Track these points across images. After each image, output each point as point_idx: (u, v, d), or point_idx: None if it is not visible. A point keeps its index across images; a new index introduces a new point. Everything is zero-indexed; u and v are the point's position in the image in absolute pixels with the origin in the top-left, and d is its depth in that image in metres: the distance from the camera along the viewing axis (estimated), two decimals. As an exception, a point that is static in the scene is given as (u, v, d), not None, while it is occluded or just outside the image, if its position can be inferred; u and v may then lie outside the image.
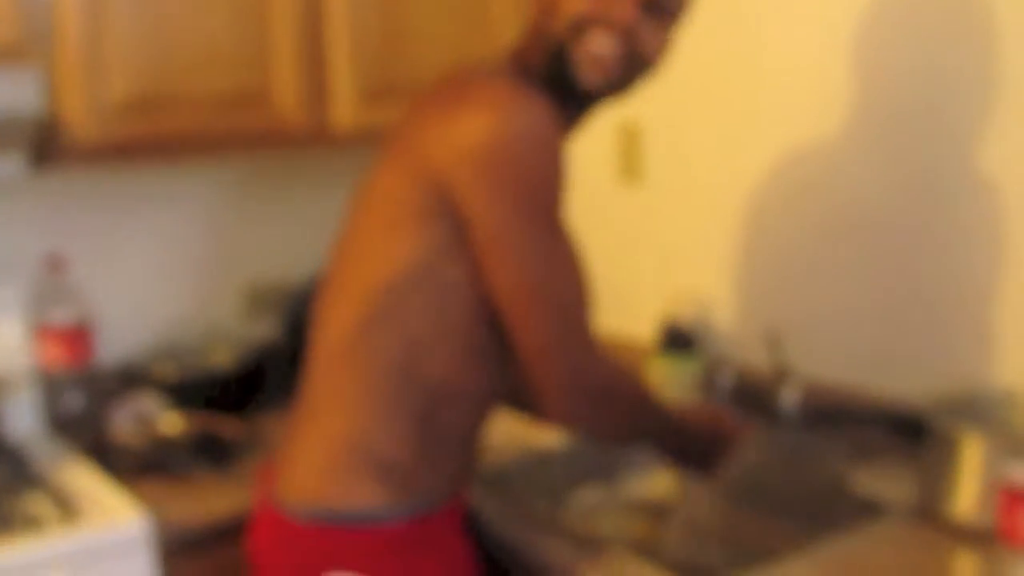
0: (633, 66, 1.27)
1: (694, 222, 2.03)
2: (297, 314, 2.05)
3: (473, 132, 1.17)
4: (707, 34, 1.88)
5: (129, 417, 1.80)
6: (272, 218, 2.24)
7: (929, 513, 1.38)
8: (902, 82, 1.64)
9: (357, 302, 1.26)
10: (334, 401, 1.29)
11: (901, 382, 1.68)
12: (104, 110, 1.69)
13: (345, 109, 1.95)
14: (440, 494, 1.31)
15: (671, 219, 2.08)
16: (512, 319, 1.22)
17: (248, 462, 1.75)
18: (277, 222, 2.24)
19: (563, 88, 1.27)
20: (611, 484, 1.79)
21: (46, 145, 1.73)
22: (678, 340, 1.95)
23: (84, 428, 1.87)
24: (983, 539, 1.30)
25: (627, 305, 2.18)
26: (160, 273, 2.11)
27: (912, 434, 1.58)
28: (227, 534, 1.54)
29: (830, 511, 1.53)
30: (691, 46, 1.81)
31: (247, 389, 2.01)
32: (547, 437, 1.78)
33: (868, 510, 1.46)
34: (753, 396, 1.84)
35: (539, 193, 1.19)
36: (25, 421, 1.89)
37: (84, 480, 1.65)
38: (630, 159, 2.14)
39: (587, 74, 1.25)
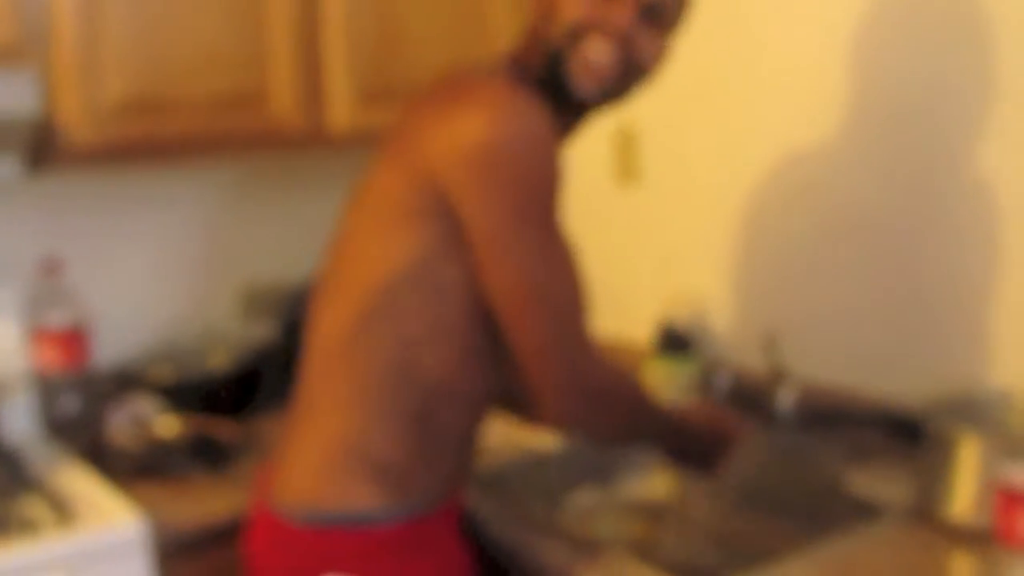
0: (629, 73, 1.27)
1: (691, 224, 2.03)
2: (294, 316, 2.05)
3: (470, 132, 1.17)
4: (704, 35, 1.88)
5: (125, 419, 1.80)
6: (269, 219, 2.24)
7: (926, 514, 1.38)
8: (898, 84, 1.64)
9: (353, 302, 1.26)
10: (329, 402, 1.28)
11: (898, 383, 1.68)
12: (100, 112, 1.69)
13: (341, 111, 1.95)
14: (436, 495, 1.31)
15: (668, 221, 2.08)
16: (508, 320, 1.22)
17: (245, 464, 1.75)
18: (274, 223, 2.24)
19: (558, 94, 1.27)
20: (608, 485, 1.79)
21: (42, 147, 1.72)
22: (675, 342, 1.95)
23: (80, 431, 1.87)
24: (980, 540, 1.30)
25: (624, 307, 2.18)
26: (156, 275, 2.11)
27: (909, 435, 1.58)
28: (223, 536, 1.54)
29: (827, 512, 1.53)
30: (688, 47, 1.81)
31: (244, 391, 2.00)
32: (544, 439, 1.77)
33: (865, 511, 1.46)
34: (750, 398, 1.84)
35: (535, 194, 1.19)
36: (21, 424, 1.89)
37: (80, 483, 1.65)
38: (627, 161, 2.14)
39: (582, 82, 1.25)
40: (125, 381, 1.96)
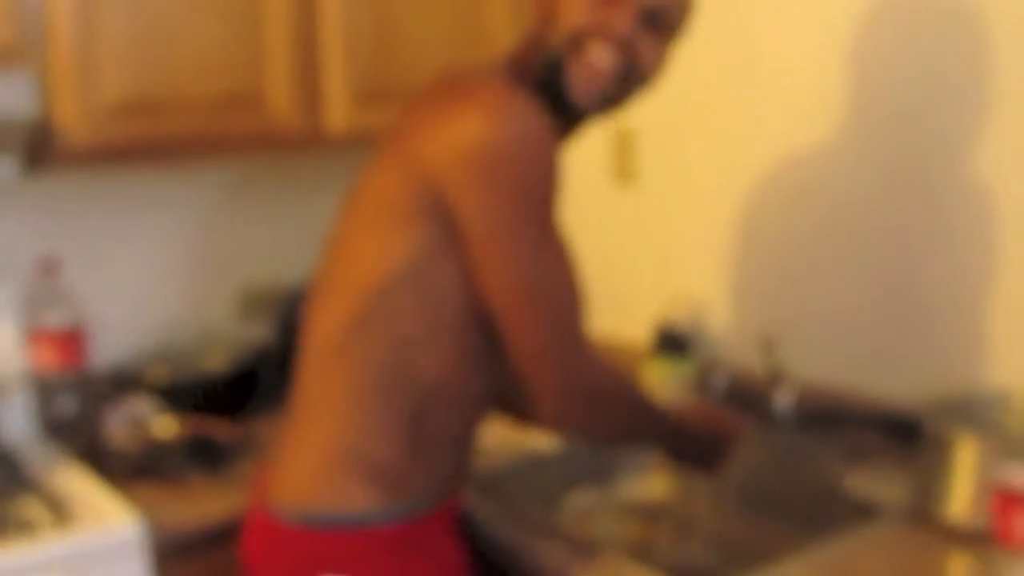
0: (629, 80, 1.27)
1: (688, 224, 2.03)
2: (290, 317, 2.05)
3: (467, 133, 1.17)
4: (702, 35, 1.88)
5: (122, 421, 1.80)
6: (265, 221, 2.24)
7: (923, 515, 1.38)
8: (895, 85, 1.64)
9: (349, 302, 1.25)
10: (325, 402, 1.28)
11: (895, 384, 1.68)
12: (97, 113, 1.69)
13: (338, 112, 1.95)
14: (432, 496, 1.31)
15: (665, 221, 2.08)
16: (505, 321, 1.22)
17: (242, 465, 1.75)
18: (270, 225, 2.24)
19: (556, 100, 1.27)
20: (605, 486, 1.79)
21: (39, 148, 1.72)
22: (672, 342, 1.95)
23: (77, 432, 1.87)
24: (977, 541, 1.30)
25: (621, 307, 2.18)
26: (153, 276, 2.11)
27: (906, 436, 1.58)
28: (221, 537, 1.54)
29: (824, 513, 1.53)
30: (686, 47, 1.81)
31: (240, 392, 2.00)
32: (541, 440, 1.77)
33: (862, 512, 1.46)
34: (747, 398, 1.84)
35: (533, 195, 1.19)
36: (18, 424, 1.88)
37: (77, 484, 1.65)
38: (624, 161, 2.14)
39: (580, 88, 1.25)
40: (122, 382, 1.96)
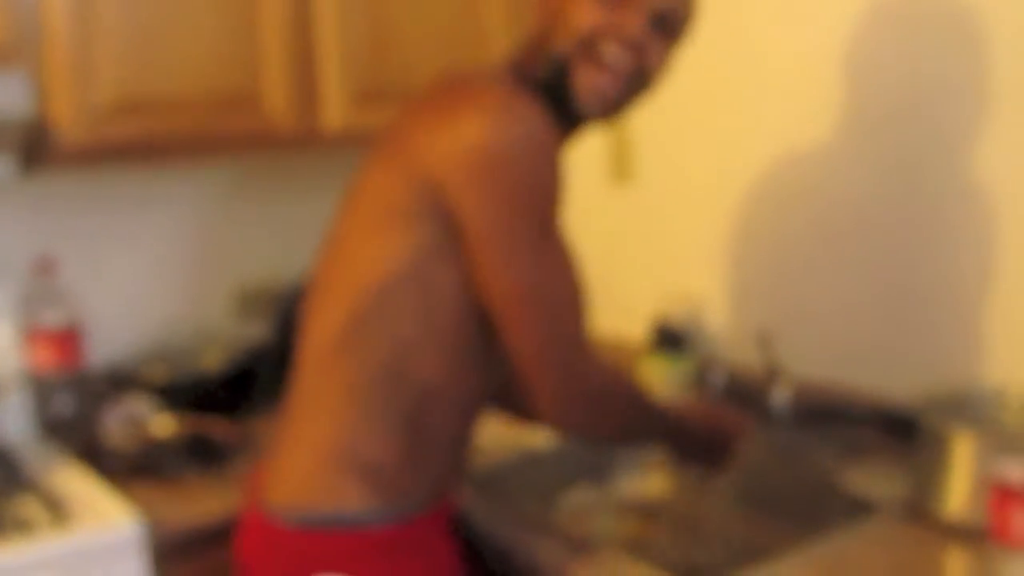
0: (634, 84, 1.26)
1: (686, 222, 2.03)
2: (287, 316, 2.05)
3: (468, 135, 1.16)
4: (700, 35, 1.88)
5: (120, 419, 1.80)
6: (262, 220, 2.23)
7: (920, 511, 1.39)
8: (893, 84, 1.64)
9: (346, 303, 1.25)
10: (321, 402, 1.28)
11: (892, 381, 1.68)
12: (93, 112, 1.69)
13: (335, 112, 1.95)
14: (427, 496, 1.31)
15: (663, 219, 2.08)
16: (505, 323, 1.21)
17: (239, 464, 1.75)
18: (267, 224, 2.24)
19: (558, 103, 1.26)
20: (602, 484, 1.79)
21: (35, 147, 1.72)
22: (670, 340, 1.95)
23: (75, 431, 1.87)
24: (974, 537, 1.30)
25: (619, 305, 2.18)
26: (150, 275, 2.11)
27: (903, 432, 1.58)
28: (218, 536, 1.54)
29: (821, 510, 1.54)
30: (684, 49, 1.81)
31: (238, 391, 2.00)
32: (538, 438, 1.78)
33: (859, 508, 1.47)
34: (744, 395, 1.84)
35: (533, 197, 1.18)
36: (16, 424, 1.88)
37: (75, 483, 1.65)
38: (622, 160, 2.14)
39: (589, 91, 1.24)
40: (119, 381, 1.96)
